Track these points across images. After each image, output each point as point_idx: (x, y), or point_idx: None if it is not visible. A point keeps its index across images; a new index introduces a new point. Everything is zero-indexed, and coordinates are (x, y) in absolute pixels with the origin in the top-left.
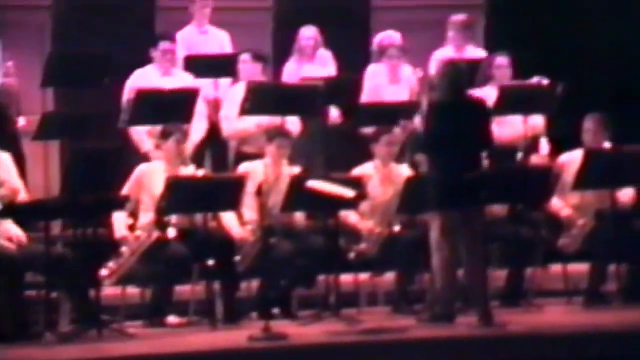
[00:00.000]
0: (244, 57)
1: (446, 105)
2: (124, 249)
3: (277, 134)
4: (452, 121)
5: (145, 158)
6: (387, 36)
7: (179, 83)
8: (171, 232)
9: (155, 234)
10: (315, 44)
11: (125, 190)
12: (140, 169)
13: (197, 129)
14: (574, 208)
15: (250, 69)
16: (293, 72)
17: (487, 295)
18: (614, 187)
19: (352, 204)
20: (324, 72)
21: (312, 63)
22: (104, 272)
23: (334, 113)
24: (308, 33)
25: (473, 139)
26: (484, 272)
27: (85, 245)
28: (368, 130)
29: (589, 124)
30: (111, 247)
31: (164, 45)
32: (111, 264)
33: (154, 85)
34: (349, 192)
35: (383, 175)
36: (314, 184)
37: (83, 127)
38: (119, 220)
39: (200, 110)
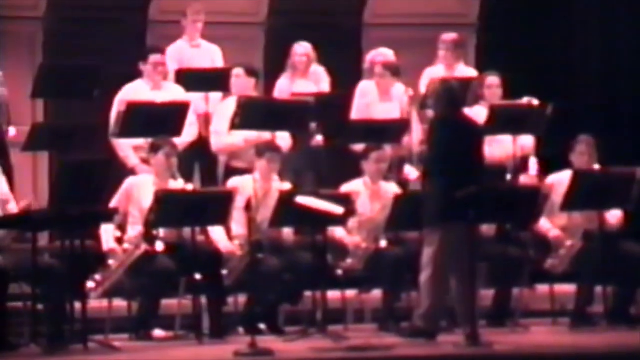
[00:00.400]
0: (237, 71)
1: (445, 122)
2: (111, 261)
3: (268, 149)
4: (451, 138)
5: (132, 172)
6: (380, 54)
7: (169, 96)
8: (159, 246)
9: (143, 247)
10: (309, 60)
11: (114, 202)
12: (129, 181)
13: (188, 133)
14: (562, 229)
15: (243, 84)
16: (285, 88)
17: (475, 315)
18: (602, 208)
19: (340, 220)
20: (317, 89)
21: (305, 79)
22: (90, 284)
23: (318, 137)
24: (301, 50)
25: (471, 156)
26: (474, 292)
27: (73, 257)
28: (359, 147)
29: (578, 146)
30: (98, 259)
31: (154, 58)
32: (97, 277)
33: (143, 98)
34: (337, 209)
35: (372, 192)
36: (303, 200)
37: (72, 138)
38: (107, 233)
39: (191, 118)
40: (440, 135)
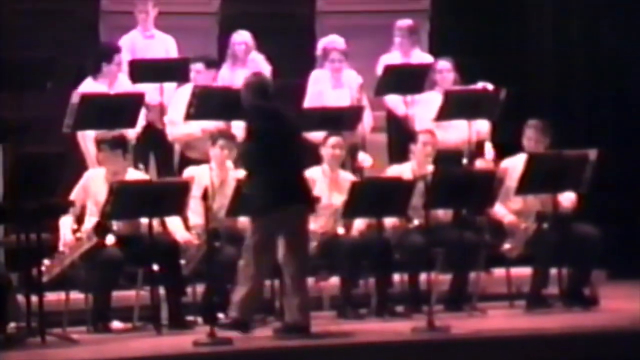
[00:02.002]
0: (197, 66)
1: (258, 114)
2: (62, 248)
3: (221, 136)
4: (270, 129)
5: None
6: (331, 41)
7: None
8: (110, 239)
9: (94, 240)
10: (247, 48)
11: (72, 195)
12: (87, 174)
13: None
14: (517, 213)
15: (204, 78)
16: (227, 77)
17: (308, 305)
18: (556, 191)
19: None
20: None
21: (245, 67)
22: (42, 269)
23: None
24: (239, 38)
25: (288, 147)
26: (304, 281)
27: (28, 250)
28: (316, 135)
29: (527, 130)
30: (54, 251)
31: (119, 58)
32: (47, 262)
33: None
34: None
35: (330, 180)
36: None
37: (26, 131)
38: (65, 225)
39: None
40: (255, 128)
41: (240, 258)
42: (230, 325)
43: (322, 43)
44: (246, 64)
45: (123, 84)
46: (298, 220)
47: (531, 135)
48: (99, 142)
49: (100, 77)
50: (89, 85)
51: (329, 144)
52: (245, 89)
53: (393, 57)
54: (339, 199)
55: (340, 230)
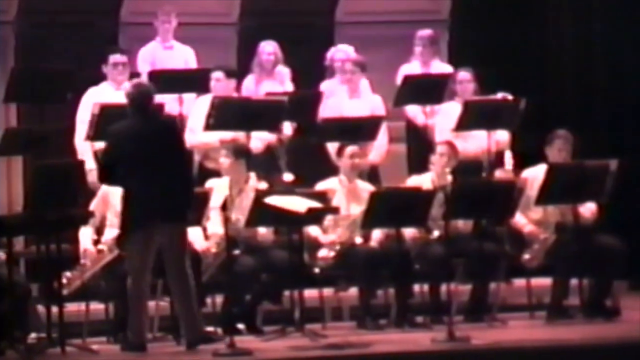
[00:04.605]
0: (217, 75)
1: (134, 128)
2: (83, 261)
3: (233, 148)
4: (141, 143)
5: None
6: (340, 50)
7: None
8: None
9: (116, 252)
10: (276, 59)
11: (91, 206)
12: (106, 186)
13: None
14: (537, 223)
15: (224, 87)
16: (252, 88)
17: (199, 321)
18: (576, 202)
19: (317, 218)
20: (281, 89)
21: (271, 79)
22: (63, 280)
23: (287, 129)
24: (268, 48)
25: (166, 158)
26: (191, 298)
27: (48, 262)
28: (334, 145)
29: (556, 141)
30: (75, 262)
31: (113, 58)
32: (69, 274)
33: (108, 100)
34: (301, 208)
35: (348, 190)
36: (271, 199)
37: (46, 142)
38: (85, 236)
39: None
40: (128, 142)
41: (260, 269)
42: (126, 348)
43: (330, 52)
44: (273, 75)
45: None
46: (170, 236)
47: (561, 147)
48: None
49: (107, 79)
50: (97, 88)
51: (347, 154)
52: (129, 100)
53: (413, 67)
54: (357, 209)
55: (358, 240)
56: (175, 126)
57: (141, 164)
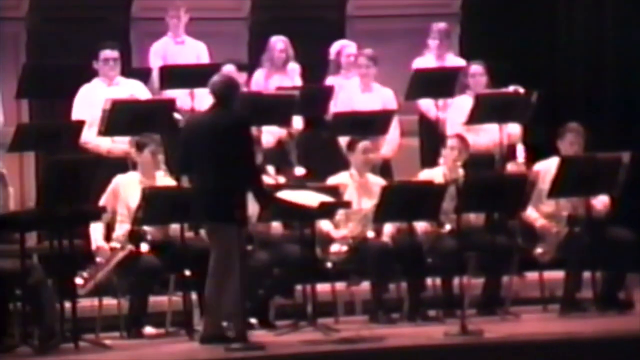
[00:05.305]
0: (228, 68)
1: (213, 119)
2: (98, 259)
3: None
4: (207, 136)
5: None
6: (346, 45)
7: (126, 91)
8: (144, 247)
9: (128, 248)
10: (287, 56)
11: (102, 201)
12: (117, 180)
13: None
14: (548, 216)
15: None
16: (262, 82)
17: (245, 316)
18: (589, 194)
19: (329, 213)
20: (290, 84)
21: (282, 74)
22: (78, 280)
23: (297, 123)
24: (280, 45)
25: (226, 154)
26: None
27: (61, 257)
28: (346, 139)
29: (568, 134)
30: (87, 258)
31: (104, 54)
32: (85, 273)
33: (100, 97)
34: (313, 202)
35: (359, 185)
36: (282, 194)
37: (58, 138)
38: (96, 231)
39: None
40: (196, 134)
41: (273, 263)
42: (203, 340)
43: (335, 47)
44: (283, 71)
45: (131, 86)
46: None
47: (573, 140)
48: (141, 145)
49: (99, 76)
50: (89, 85)
51: (360, 149)
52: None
53: (427, 60)
54: (368, 203)
55: (370, 234)
56: (248, 122)
57: (213, 156)
